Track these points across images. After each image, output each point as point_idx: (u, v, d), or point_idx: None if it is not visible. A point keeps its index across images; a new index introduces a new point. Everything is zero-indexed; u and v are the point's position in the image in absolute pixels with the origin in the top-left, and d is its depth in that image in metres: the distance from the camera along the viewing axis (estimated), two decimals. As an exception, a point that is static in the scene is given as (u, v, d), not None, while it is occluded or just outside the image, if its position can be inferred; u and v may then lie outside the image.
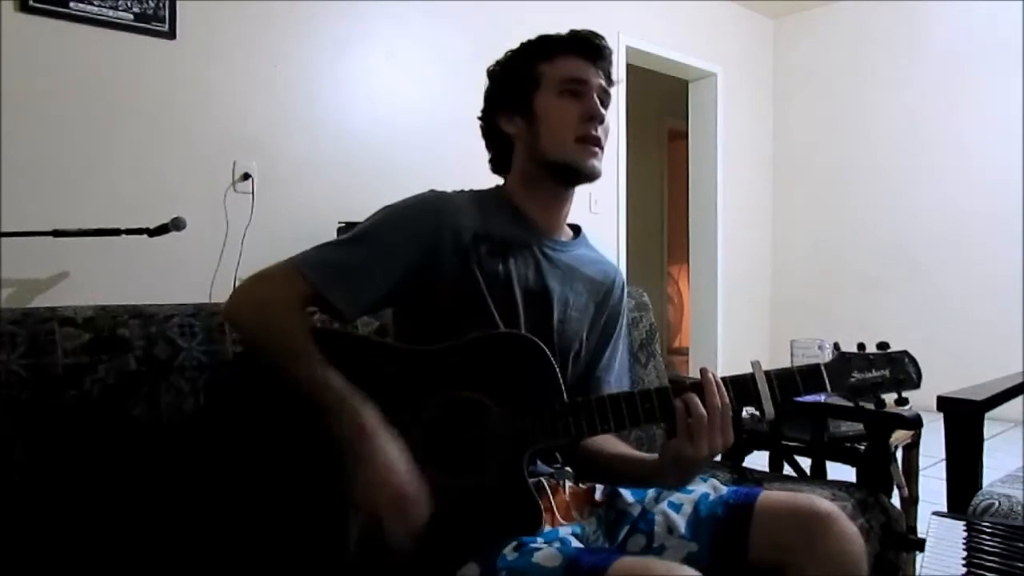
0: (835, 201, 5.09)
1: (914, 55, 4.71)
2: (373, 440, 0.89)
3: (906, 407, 1.02)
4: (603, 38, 1.13)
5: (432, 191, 1.11)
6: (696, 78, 4.98)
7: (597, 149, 1.11)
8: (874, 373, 1.01)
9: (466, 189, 1.15)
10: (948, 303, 4.50)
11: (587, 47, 1.11)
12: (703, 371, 0.98)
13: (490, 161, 1.21)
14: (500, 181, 1.20)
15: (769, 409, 0.97)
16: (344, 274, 1.01)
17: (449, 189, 1.17)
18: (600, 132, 1.10)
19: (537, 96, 1.10)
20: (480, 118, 1.19)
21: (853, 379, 1.01)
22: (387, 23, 3.24)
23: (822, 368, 1.01)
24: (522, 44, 1.15)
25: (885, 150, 4.83)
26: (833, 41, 5.10)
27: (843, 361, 1.02)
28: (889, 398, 1.04)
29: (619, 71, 4.21)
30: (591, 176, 1.11)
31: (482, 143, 1.21)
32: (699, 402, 0.94)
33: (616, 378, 1.25)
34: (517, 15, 3.55)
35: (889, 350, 1.03)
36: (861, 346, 1.03)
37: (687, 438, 0.94)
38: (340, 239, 1.06)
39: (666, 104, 5.96)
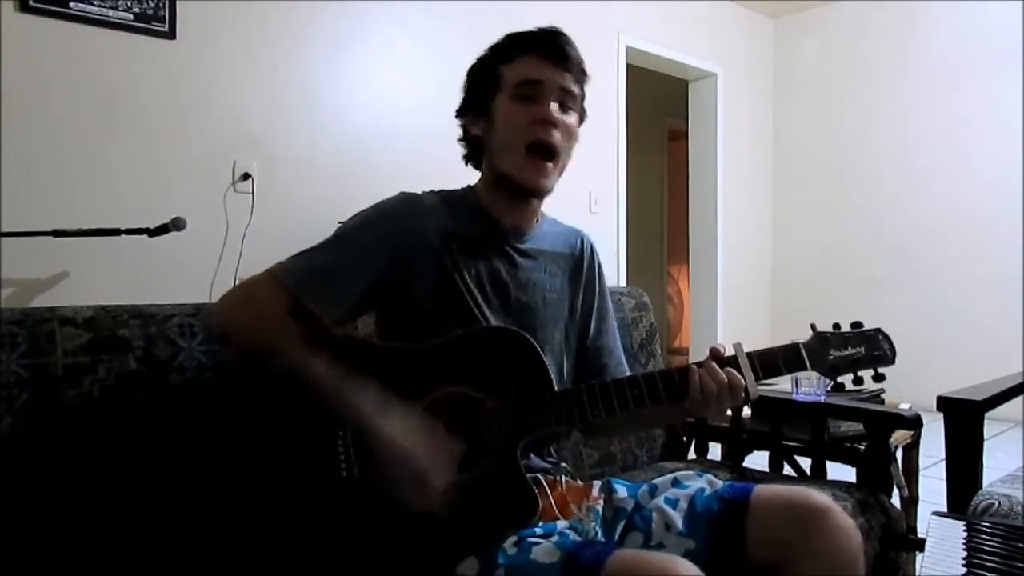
0: (835, 201, 5.09)
1: (914, 55, 4.71)
2: (380, 419, 0.92)
3: (883, 382, 1.05)
4: (566, 36, 1.10)
5: (403, 193, 1.12)
6: (696, 78, 4.98)
7: (547, 164, 1.08)
8: (850, 350, 1.04)
9: (436, 189, 1.15)
10: (948, 303, 4.50)
11: (546, 45, 1.08)
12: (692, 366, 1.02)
13: (463, 157, 1.20)
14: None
15: (753, 388, 1.01)
16: (318, 279, 1.02)
17: (447, 188, 1.17)
18: (556, 138, 1.07)
19: (496, 99, 1.10)
20: (456, 115, 1.19)
21: (831, 357, 1.04)
22: (387, 23, 3.24)
23: (801, 348, 1.04)
24: (488, 48, 1.15)
25: (885, 150, 4.83)
26: (833, 41, 5.10)
27: (821, 340, 1.05)
28: (867, 374, 1.06)
29: (618, 71, 4.21)
30: (538, 194, 1.12)
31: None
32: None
33: (612, 338, 1.28)
34: (517, 15, 3.52)
35: (863, 328, 1.06)
36: (836, 325, 1.06)
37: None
38: (316, 245, 1.07)
39: (666, 104, 5.96)
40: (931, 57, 4.64)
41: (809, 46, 5.23)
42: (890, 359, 1.05)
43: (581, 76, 1.11)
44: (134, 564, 1.05)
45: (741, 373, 1.00)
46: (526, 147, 1.07)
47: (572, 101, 1.11)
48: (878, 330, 1.06)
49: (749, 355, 1.02)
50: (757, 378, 1.02)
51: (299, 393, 0.98)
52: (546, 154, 1.08)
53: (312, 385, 0.95)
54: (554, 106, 1.08)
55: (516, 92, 1.08)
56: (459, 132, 1.19)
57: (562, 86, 1.09)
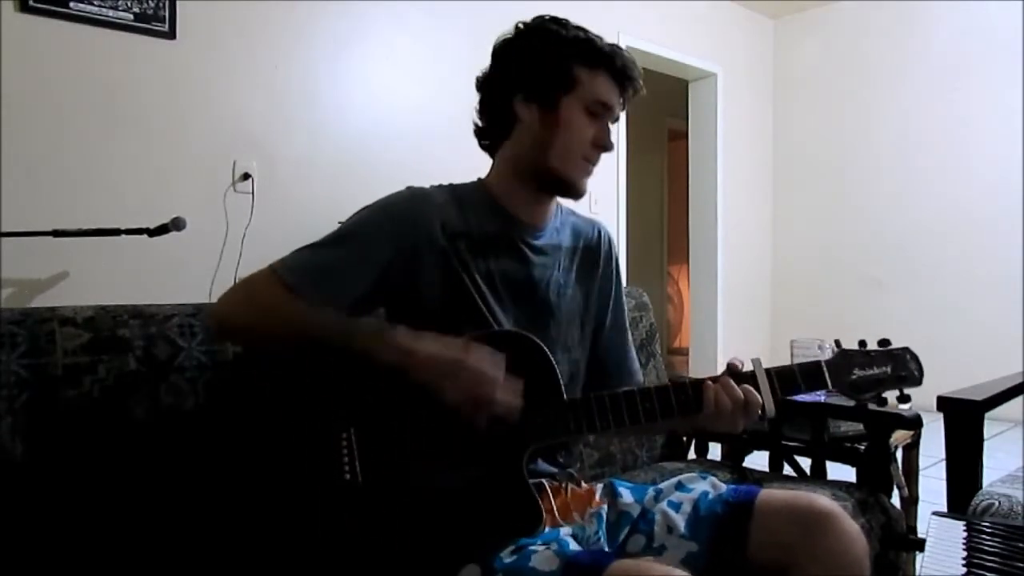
0: (835, 201, 5.09)
1: (914, 55, 4.71)
2: (421, 345, 0.94)
3: (908, 404, 1.02)
4: (639, 69, 1.13)
5: (409, 188, 1.10)
6: (696, 78, 4.98)
7: (593, 170, 1.13)
8: (875, 370, 1.01)
9: (444, 183, 1.14)
10: (948, 303, 4.50)
11: (625, 75, 1.10)
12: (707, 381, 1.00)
13: (480, 130, 1.16)
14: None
15: (770, 406, 0.98)
16: (320, 276, 1.01)
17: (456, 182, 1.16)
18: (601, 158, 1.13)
19: (566, 99, 1.07)
20: (486, 80, 1.14)
21: (854, 376, 1.01)
22: (387, 23, 3.24)
23: (823, 365, 1.01)
24: (565, 32, 1.10)
25: (885, 150, 4.83)
26: (833, 41, 5.10)
27: (844, 358, 1.01)
28: (891, 395, 1.03)
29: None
30: (578, 195, 1.13)
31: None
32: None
33: (625, 331, 1.28)
34: (518, 15, 3.53)
35: (890, 347, 1.03)
36: (862, 343, 1.03)
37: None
38: (318, 241, 1.05)
39: (666, 104, 5.95)
40: (931, 57, 4.63)
41: (809, 46, 5.23)
42: (917, 380, 1.01)
43: (625, 106, 1.15)
44: (134, 564, 1.05)
45: (758, 390, 0.98)
46: (582, 158, 1.10)
47: (616, 122, 1.15)
48: (906, 349, 1.03)
49: (768, 371, 0.99)
50: (775, 396, 0.98)
51: (308, 379, 0.98)
52: (593, 165, 1.13)
53: (334, 337, 0.96)
54: (611, 130, 1.12)
55: (591, 107, 1.08)
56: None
57: (618, 115, 1.13)
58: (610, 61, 1.09)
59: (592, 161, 1.11)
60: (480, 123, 1.16)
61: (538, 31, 1.11)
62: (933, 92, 4.61)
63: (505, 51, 1.13)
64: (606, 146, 1.11)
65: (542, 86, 1.08)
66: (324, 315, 0.98)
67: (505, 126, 1.12)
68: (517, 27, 1.13)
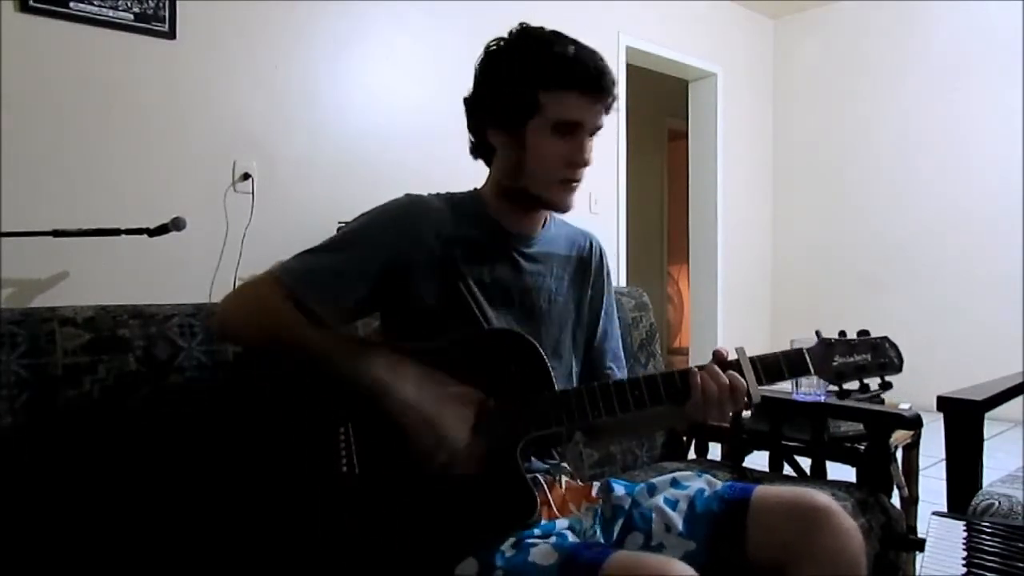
0: (835, 201, 5.09)
1: (914, 55, 4.71)
2: (388, 384, 0.94)
3: (890, 390, 1.04)
4: (609, 73, 1.07)
5: (408, 195, 1.11)
6: (696, 78, 4.98)
7: (576, 186, 1.10)
8: (856, 357, 1.03)
9: (442, 192, 1.15)
10: (948, 303, 4.50)
11: (591, 84, 1.05)
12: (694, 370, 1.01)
13: (471, 150, 1.18)
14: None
15: (755, 391, 1.00)
16: (321, 280, 1.02)
17: (448, 190, 1.17)
18: (583, 173, 1.10)
19: (530, 124, 1.06)
20: (466, 104, 1.14)
21: (836, 363, 1.03)
22: (387, 23, 3.24)
23: (805, 353, 1.03)
24: (525, 56, 1.07)
25: (885, 150, 4.83)
26: (833, 41, 5.10)
27: (825, 346, 1.04)
28: (873, 382, 1.05)
29: (619, 72, 4.21)
30: (563, 211, 1.13)
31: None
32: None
33: (616, 342, 1.28)
34: (518, 15, 3.53)
35: (869, 336, 1.05)
36: (842, 333, 1.05)
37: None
38: (318, 246, 1.07)
39: (666, 104, 5.96)
40: (931, 57, 4.64)
41: (809, 46, 5.23)
42: (897, 367, 1.03)
43: (611, 109, 1.10)
44: (135, 564, 1.05)
45: (743, 376, 1.00)
46: (559, 180, 1.08)
47: (599, 130, 1.11)
48: (885, 338, 1.05)
49: (752, 359, 1.01)
50: (760, 382, 1.01)
51: (306, 379, 0.98)
52: (576, 183, 1.11)
53: (320, 357, 0.96)
54: (588, 144, 1.08)
55: (555, 128, 1.05)
56: (463, 121, 1.16)
57: (598, 124, 1.09)
58: (575, 77, 1.05)
59: (571, 179, 1.08)
60: (471, 143, 1.18)
61: (502, 57, 1.10)
62: (933, 92, 4.61)
63: (478, 77, 1.12)
64: (578, 163, 1.07)
65: (508, 115, 1.08)
66: (314, 330, 0.98)
67: (486, 151, 1.15)
68: (487, 48, 1.12)
